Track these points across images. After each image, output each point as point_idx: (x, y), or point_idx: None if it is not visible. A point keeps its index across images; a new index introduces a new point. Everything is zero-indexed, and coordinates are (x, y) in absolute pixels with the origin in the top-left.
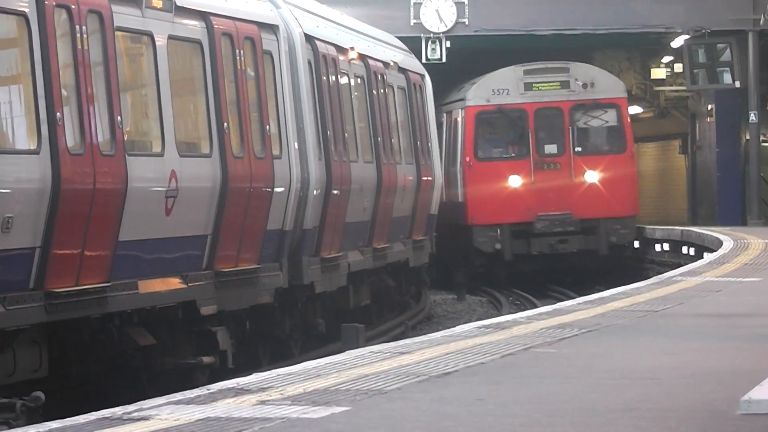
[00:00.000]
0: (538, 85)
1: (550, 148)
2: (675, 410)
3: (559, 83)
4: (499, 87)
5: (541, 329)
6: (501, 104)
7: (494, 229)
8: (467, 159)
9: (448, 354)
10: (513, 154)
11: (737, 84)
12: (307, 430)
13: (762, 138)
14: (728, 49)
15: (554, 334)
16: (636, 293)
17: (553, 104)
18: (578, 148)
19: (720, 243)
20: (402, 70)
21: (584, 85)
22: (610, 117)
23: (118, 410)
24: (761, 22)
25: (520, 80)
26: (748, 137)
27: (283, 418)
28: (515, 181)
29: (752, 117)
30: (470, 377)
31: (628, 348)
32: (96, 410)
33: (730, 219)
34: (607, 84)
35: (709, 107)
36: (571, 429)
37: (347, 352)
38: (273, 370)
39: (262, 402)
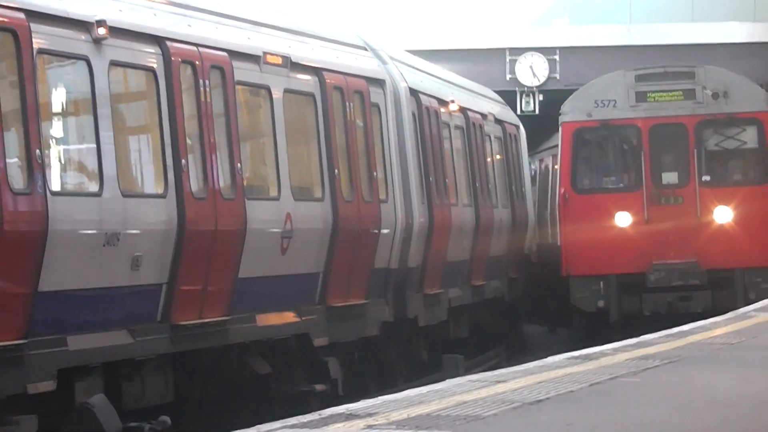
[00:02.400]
0: (654, 94)
1: (670, 177)
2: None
3: (681, 92)
4: (604, 97)
5: (626, 360)
6: (606, 119)
7: (597, 282)
8: (562, 191)
9: (540, 382)
10: (621, 185)
11: None
12: None
13: None
14: None
15: (638, 365)
16: (713, 327)
17: (674, 119)
18: (706, 177)
19: None
20: (498, 121)
21: (715, 95)
22: (749, 136)
23: None
24: None
25: (631, 88)
26: None
27: None
28: (624, 220)
29: None
30: (561, 404)
31: (706, 377)
32: None
33: None
34: (745, 93)
35: None
36: None
37: (448, 380)
38: (379, 397)
39: (369, 426)
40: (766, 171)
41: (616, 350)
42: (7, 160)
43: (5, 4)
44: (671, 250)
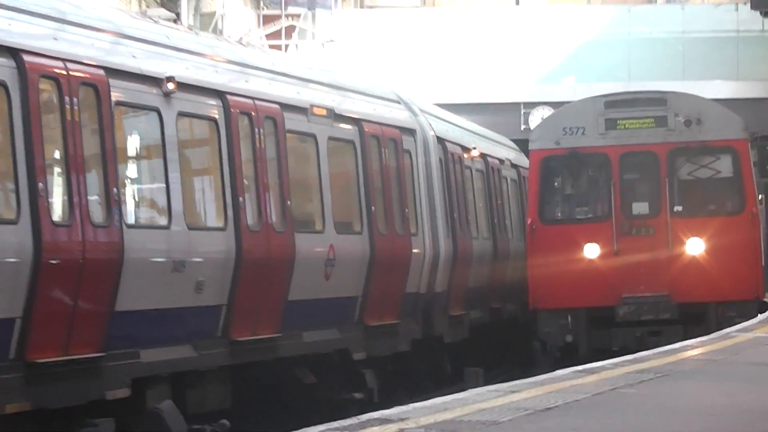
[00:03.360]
0: (624, 122)
1: (641, 207)
2: None
3: (653, 119)
4: (573, 125)
5: (624, 373)
6: (574, 147)
7: (564, 316)
8: (529, 221)
9: (550, 393)
10: (590, 215)
11: None
12: None
13: None
14: None
15: (635, 378)
16: (700, 346)
17: (644, 147)
18: (678, 208)
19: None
20: (514, 166)
21: (687, 122)
22: (723, 165)
23: None
24: None
25: (601, 116)
26: None
27: None
28: (593, 251)
29: None
30: (567, 411)
31: (693, 389)
32: None
33: None
34: (719, 121)
35: None
36: None
37: (469, 390)
38: (410, 404)
39: (402, 429)
40: (741, 201)
41: (615, 365)
42: (89, 198)
43: (88, 62)
44: (642, 283)
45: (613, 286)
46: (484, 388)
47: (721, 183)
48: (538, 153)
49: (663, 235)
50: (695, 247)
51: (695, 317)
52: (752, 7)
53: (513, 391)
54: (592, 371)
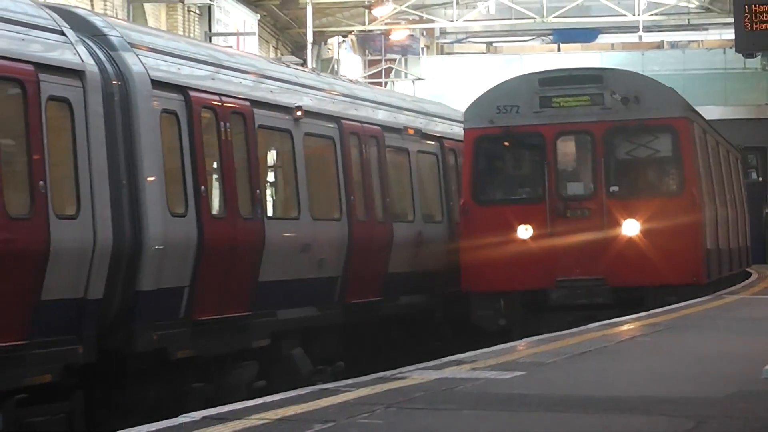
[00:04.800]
0: (559, 99)
1: (576, 188)
2: (719, 376)
3: (588, 97)
4: (507, 103)
5: (641, 326)
6: (508, 126)
7: (497, 300)
8: (462, 202)
9: (584, 341)
10: (524, 196)
11: (760, 178)
12: (500, 384)
13: None
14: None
15: (648, 330)
16: (698, 305)
17: (580, 126)
18: (615, 188)
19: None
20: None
21: (625, 100)
22: (662, 144)
23: (388, 373)
24: None
25: (535, 93)
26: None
27: (486, 378)
28: (526, 233)
29: None
30: (597, 355)
31: (692, 338)
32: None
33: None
34: (658, 98)
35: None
36: (657, 384)
37: (524, 339)
38: (479, 350)
39: (473, 369)
40: (680, 182)
41: (634, 319)
42: (238, 197)
43: (237, 96)
44: (576, 267)
45: (547, 269)
46: (535, 337)
47: (660, 163)
48: (472, 132)
49: (598, 217)
50: (632, 229)
51: (632, 302)
52: (736, 51)
53: (556, 340)
54: (615, 324)
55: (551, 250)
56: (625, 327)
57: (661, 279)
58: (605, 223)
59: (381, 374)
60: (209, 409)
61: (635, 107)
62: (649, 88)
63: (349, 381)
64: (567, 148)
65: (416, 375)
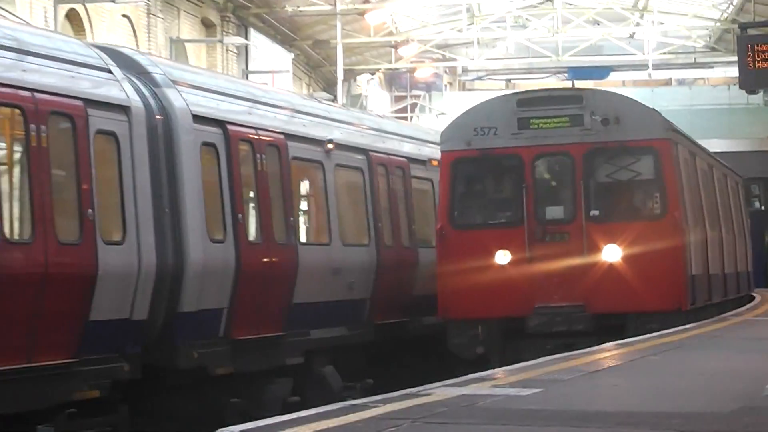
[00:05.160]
0: (538, 121)
1: (555, 212)
2: (725, 392)
3: (568, 118)
4: (485, 125)
5: (651, 346)
6: (486, 148)
7: (474, 327)
8: (439, 226)
9: (598, 359)
10: (503, 220)
11: (762, 207)
12: (518, 400)
13: None
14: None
15: (658, 349)
16: (704, 326)
17: (559, 148)
18: (595, 212)
19: (753, 298)
20: None
21: (605, 121)
22: (643, 167)
23: (414, 390)
24: None
25: (513, 114)
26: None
27: (506, 394)
28: (504, 258)
29: None
30: (610, 372)
31: (699, 356)
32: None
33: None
34: (639, 119)
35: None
36: (666, 400)
37: (541, 359)
38: (498, 368)
39: (494, 386)
40: (662, 205)
41: (645, 339)
42: (273, 224)
43: (272, 130)
44: (555, 293)
45: (526, 296)
46: (552, 356)
47: (642, 186)
48: (449, 154)
49: (578, 242)
50: (612, 254)
51: (612, 329)
52: (740, 87)
53: (573, 358)
54: (629, 344)
55: (530, 275)
56: (637, 347)
57: (643, 305)
58: (585, 248)
59: (407, 391)
60: (246, 424)
61: (616, 128)
62: (630, 109)
63: (378, 397)
64: (546, 170)
65: (440, 391)
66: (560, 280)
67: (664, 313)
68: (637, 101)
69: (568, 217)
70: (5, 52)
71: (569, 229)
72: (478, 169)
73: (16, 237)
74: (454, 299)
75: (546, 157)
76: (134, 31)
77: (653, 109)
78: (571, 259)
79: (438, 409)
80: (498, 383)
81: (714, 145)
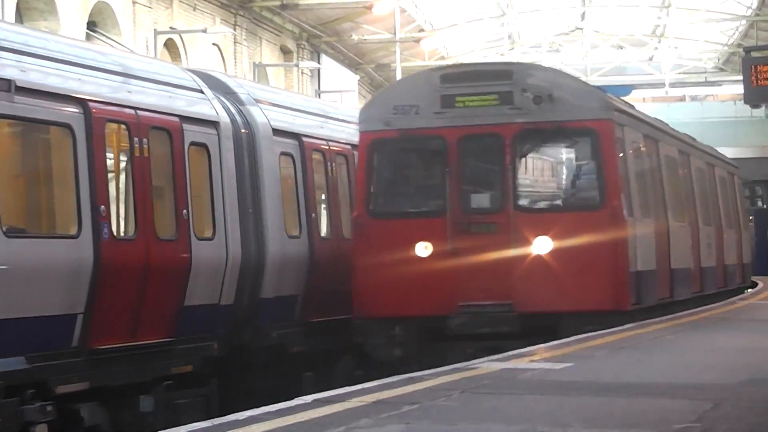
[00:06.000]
0: (463, 98)
1: (481, 200)
2: (733, 366)
3: (496, 96)
4: (406, 103)
5: (668, 326)
6: (406, 128)
7: (392, 327)
8: (355, 215)
9: (622, 338)
10: (424, 209)
11: (765, 206)
12: (554, 373)
13: None
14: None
15: (674, 329)
16: (714, 309)
17: (486, 129)
18: (525, 201)
19: (756, 284)
20: None
21: (537, 99)
22: (580, 151)
23: (462, 365)
24: None
25: (437, 92)
26: None
27: (542, 368)
28: (425, 251)
29: None
30: (632, 350)
31: (710, 335)
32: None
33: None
34: (576, 98)
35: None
36: (684, 373)
37: (574, 336)
38: (535, 346)
39: (531, 360)
40: (601, 193)
41: (661, 320)
42: (342, 223)
43: (340, 141)
44: (480, 290)
45: (448, 293)
46: (584, 335)
47: (578, 171)
48: (366, 135)
49: (506, 233)
50: (543, 247)
51: (543, 330)
52: (744, 102)
53: (600, 337)
54: (646, 325)
55: (452, 270)
56: (656, 327)
57: (577, 304)
58: (513, 240)
59: (456, 365)
60: (318, 394)
61: (550, 107)
62: (566, 86)
63: (431, 371)
64: (471, 153)
65: (485, 365)
66: (486, 276)
67: (601, 313)
68: (575, 77)
69: (495, 206)
70: (113, 76)
71: (496, 219)
72: (397, 151)
73: (122, 234)
74: (369, 296)
75: (472, 139)
76: (222, 57)
77: (594, 87)
78: (497, 252)
79: (483, 381)
80: (534, 358)
81: (722, 152)
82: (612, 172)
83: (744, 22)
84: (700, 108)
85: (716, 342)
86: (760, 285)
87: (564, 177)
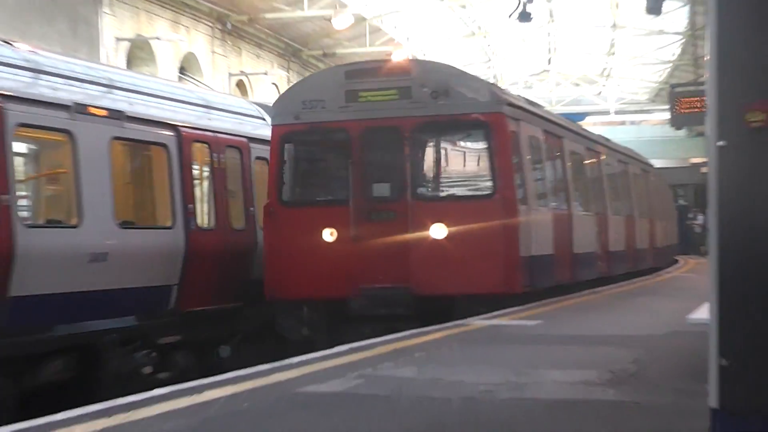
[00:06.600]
0: (366, 93)
1: (382, 189)
2: (661, 322)
3: (396, 91)
4: (313, 98)
5: (618, 292)
6: (313, 122)
7: (300, 308)
8: (267, 204)
9: (579, 303)
10: (330, 197)
11: (685, 203)
12: (529, 329)
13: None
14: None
15: (620, 294)
16: (647, 280)
17: (387, 122)
18: (422, 189)
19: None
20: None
21: (434, 94)
22: (475, 142)
23: (459, 322)
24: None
25: (342, 87)
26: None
27: (520, 324)
28: (330, 237)
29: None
30: (587, 311)
31: (647, 300)
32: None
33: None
34: (471, 93)
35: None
36: (623, 328)
37: (544, 300)
38: (515, 307)
39: (511, 319)
40: (493, 183)
41: (612, 288)
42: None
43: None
44: (381, 273)
45: (350, 277)
46: (554, 299)
47: (472, 162)
48: (278, 129)
49: (404, 221)
50: (439, 233)
51: (438, 312)
52: (670, 126)
53: (562, 301)
54: (599, 292)
55: (355, 255)
56: (608, 293)
57: (470, 288)
58: (411, 227)
59: (455, 322)
60: (351, 344)
61: (446, 102)
62: (461, 82)
63: (436, 326)
64: (374, 145)
65: (477, 323)
66: (385, 261)
67: (494, 296)
68: (470, 74)
69: (394, 195)
70: (198, 107)
71: (396, 207)
72: (306, 144)
73: (205, 226)
74: (280, 279)
75: (373, 132)
76: (278, 92)
77: (488, 82)
78: (396, 238)
79: (475, 335)
80: (513, 318)
81: (654, 163)
82: (504, 163)
83: (670, 65)
84: (637, 130)
85: (651, 305)
86: (681, 262)
87: (459, 167)
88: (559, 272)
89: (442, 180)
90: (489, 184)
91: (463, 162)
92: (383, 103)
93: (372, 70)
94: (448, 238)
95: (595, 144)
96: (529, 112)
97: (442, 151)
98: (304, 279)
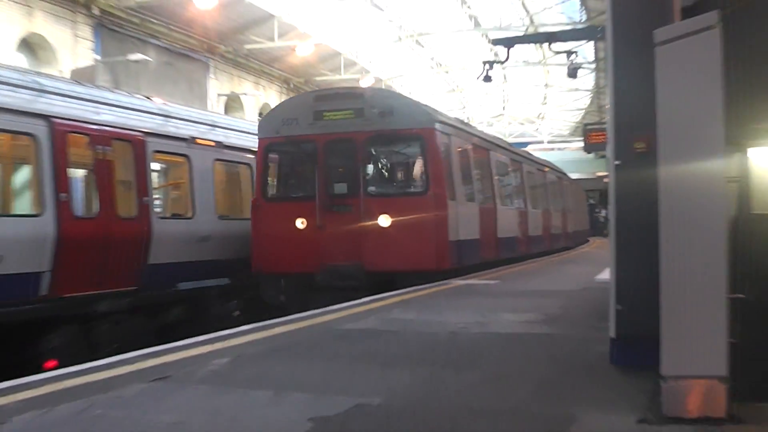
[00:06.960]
0: (329, 113)
1: (341, 188)
2: (577, 281)
3: (352, 111)
4: (290, 116)
5: (548, 262)
6: (290, 135)
7: (279, 280)
8: (254, 199)
9: (522, 269)
10: (301, 194)
11: (593, 202)
12: (492, 287)
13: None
14: (594, 195)
15: (549, 264)
16: (567, 252)
17: (344, 135)
18: (372, 188)
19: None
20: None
21: (382, 113)
22: (412, 151)
23: (443, 282)
24: None
25: (311, 108)
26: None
27: (485, 283)
28: (302, 225)
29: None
30: (529, 275)
31: (567, 267)
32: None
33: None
34: (409, 112)
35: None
36: (553, 285)
37: (502, 267)
38: (483, 272)
39: (478, 280)
40: (426, 183)
41: (541, 259)
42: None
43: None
44: (340, 254)
45: (317, 256)
46: (503, 268)
47: (411, 166)
48: (263, 141)
49: (358, 212)
50: (385, 222)
51: (383, 284)
52: (584, 150)
53: (516, 266)
54: (535, 261)
55: (320, 239)
56: (535, 264)
57: (409, 265)
58: (363, 217)
59: (440, 282)
60: (364, 299)
61: (390, 119)
62: (402, 104)
63: (427, 285)
64: (335, 153)
65: (456, 282)
66: (344, 243)
67: (426, 272)
68: (409, 98)
69: (351, 192)
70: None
71: (352, 202)
72: (284, 152)
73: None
74: (264, 258)
75: (334, 143)
76: None
77: (424, 104)
78: (352, 226)
79: (457, 291)
80: (480, 279)
81: (573, 176)
82: (435, 167)
83: (583, 111)
84: (562, 153)
85: (569, 270)
86: (591, 242)
87: (401, 171)
88: (485, 252)
89: (387, 181)
90: (423, 183)
91: (404, 167)
92: (342, 120)
93: (334, 95)
94: (392, 226)
95: (518, 156)
96: (458, 128)
97: (387, 158)
98: (282, 258)
